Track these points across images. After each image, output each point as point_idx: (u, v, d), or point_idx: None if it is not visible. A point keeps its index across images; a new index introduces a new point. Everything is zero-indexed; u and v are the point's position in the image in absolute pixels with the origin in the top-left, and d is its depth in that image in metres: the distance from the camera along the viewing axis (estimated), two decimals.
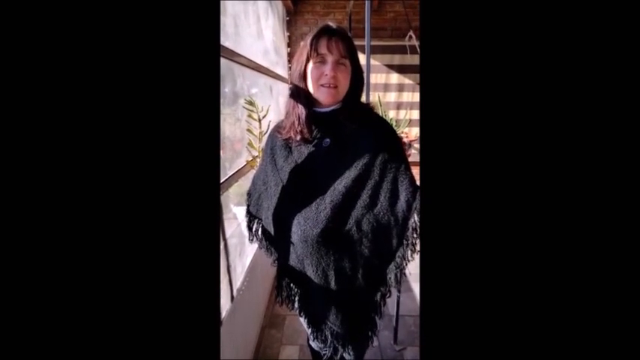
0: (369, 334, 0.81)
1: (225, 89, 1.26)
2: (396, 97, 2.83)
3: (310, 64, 0.72)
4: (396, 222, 0.71)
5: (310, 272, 0.76)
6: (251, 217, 0.90)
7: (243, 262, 1.42)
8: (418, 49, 2.18)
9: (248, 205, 0.91)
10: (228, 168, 1.26)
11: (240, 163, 1.37)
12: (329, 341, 0.81)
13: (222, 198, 1.12)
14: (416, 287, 1.91)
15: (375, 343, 0.84)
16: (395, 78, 2.78)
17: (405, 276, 0.71)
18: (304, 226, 0.72)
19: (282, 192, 0.78)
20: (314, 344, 0.98)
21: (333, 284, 0.75)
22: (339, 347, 0.81)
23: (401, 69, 2.74)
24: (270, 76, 2.01)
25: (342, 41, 0.71)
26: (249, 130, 1.33)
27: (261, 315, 1.67)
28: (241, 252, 1.40)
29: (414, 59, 2.62)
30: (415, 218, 0.70)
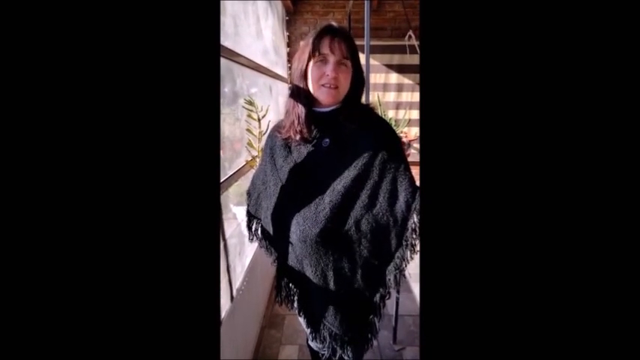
0: (369, 335, 0.81)
1: (225, 89, 1.26)
2: (395, 97, 2.83)
3: (311, 64, 0.72)
4: (395, 222, 0.71)
5: (309, 272, 0.76)
6: (250, 216, 0.90)
7: (242, 262, 1.42)
8: (418, 49, 2.19)
9: (247, 205, 0.91)
10: (227, 168, 1.26)
11: (240, 162, 1.37)
12: (328, 341, 0.81)
13: (222, 198, 1.12)
14: (415, 287, 1.91)
15: (374, 343, 0.84)
16: (394, 78, 2.78)
17: (405, 277, 0.71)
18: (303, 226, 0.72)
19: (281, 192, 0.78)
20: (313, 344, 0.98)
21: (332, 284, 0.75)
22: (338, 348, 0.81)
23: (400, 69, 2.74)
24: (270, 75, 2.01)
25: (344, 42, 0.71)
26: (248, 130, 1.33)
27: (261, 315, 1.67)
28: (241, 252, 1.40)
29: (414, 59, 2.62)
30: (414, 219, 0.70)
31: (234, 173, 1.25)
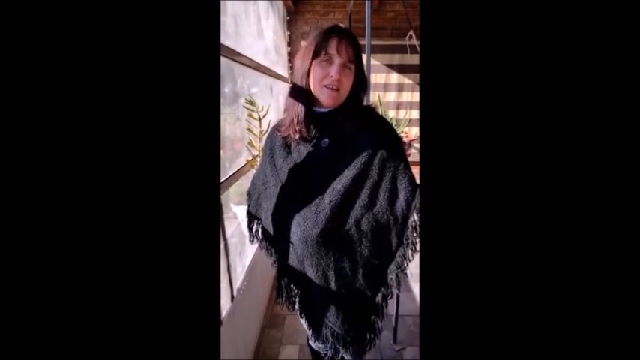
0: (371, 335, 0.81)
1: (226, 89, 1.26)
2: (395, 97, 2.83)
3: (315, 63, 0.71)
4: (395, 221, 0.71)
5: (310, 273, 0.76)
6: (251, 217, 0.90)
7: (243, 262, 1.42)
8: (418, 49, 2.18)
9: (248, 206, 0.91)
10: (228, 167, 1.26)
11: (241, 162, 1.37)
12: (330, 342, 0.81)
13: (223, 197, 1.12)
14: (416, 287, 1.91)
15: (376, 342, 0.84)
16: (395, 77, 2.78)
17: (406, 276, 0.71)
18: (303, 226, 0.72)
19: (281, 192, 0.78)
20: (314, 344, 0.97)
21: (333, 284, 0.75)
22: (340, 348, 0.81)
23: (401, 68, 2.74)
24: (271, 75, 2.01)
25: (351, 45, 0.70)
26: (249, 130, 1.33)
27: (261, 315, 1.68)
28: (241, 251, 1.40)
29: (414, 59, 2.62)
30: (415, 217, 0.70)
31: (234, 173, 1.25)
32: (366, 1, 1.31)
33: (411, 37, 2.21)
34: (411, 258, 0.72)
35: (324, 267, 0.74)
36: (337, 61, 0.70)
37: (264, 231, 0.86)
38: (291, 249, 0.78)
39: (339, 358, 0.85)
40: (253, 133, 1.34)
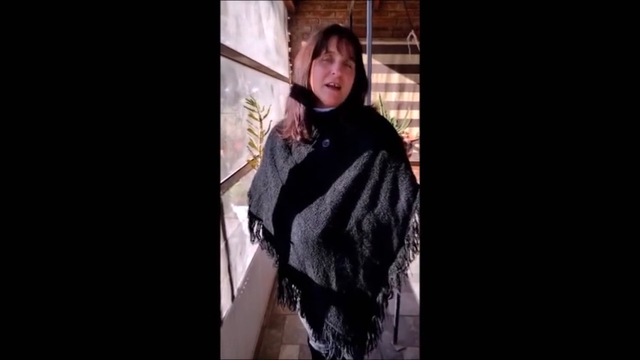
0: (372, 335, 0.81)
1: (227, 89, 1.26)
2: (396, 97, 2.83)
3: (316, 62, 0.71)
4: (396, 222, 0.71)
5: (311, 273, 0.76)
6: (252, 217, 0.90)
7: (243, 262, 1.42)
8: (419, 49, 2.18)
9: (249, 206, 0.91)
10: (229, 168, 1.26)
11: (241, 162, 1.38)
12: (331, 342, 0.81)
13: (223, 198, 1.12)
14: (416, 287, 1.91)
15: (376, 343, 0.84)
16: (396, 78, 2.78)
17: (407, 277, 0.72)
18: (304, 226, 0.72)
19: (282, 193, 0.78)
20: (314, 344, 0.98)
21: (334, 285, 0.75)
22: (341, 348, 0.81)
23: (402, 69, 2.74)
24: (272, 75, 2.01)
25: (351, 43, 0.71)
26: (250, 130, 1.33)
27: (262, 314, 1.68)
28: (242, 251, 1.40)
29: (415, 59, 2.62)
30: (416, 218, 0.70)
31: (235, 173, 1.25)
32: (367, 2, 1.31)
33: (412, 37, 2.21)
34: (411, 258, 0.72)
35: (325, 267, 0.74)
36: (338, 59, 0.70)
37: (265, 231, 0.86)
38: (291, 249, 0.78)
39: (340, 358, 0.85)
40: (254, 134, 1.34)
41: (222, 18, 1.16)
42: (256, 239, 0.90)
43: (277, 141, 0.81)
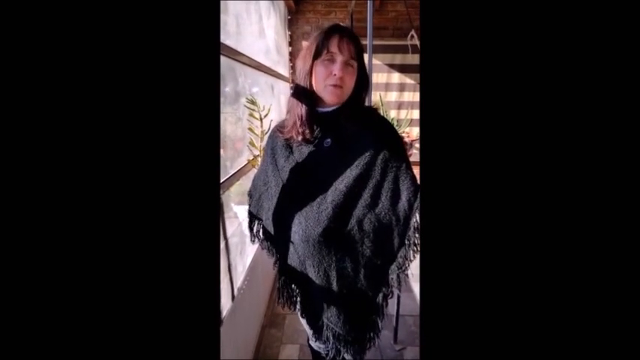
0: (371, 335, 0.81)
1: (227, 88, 1.26)
2: (397, 97, 2.83)
3: (318, 62, 0.71)
4: (397, 221, 0.71)
5: (312, 273, 0.76)
6: (252, 217, 0.90)
7: (244, 262, 1.42)
8: (420, 49, 2.18)
9: (249, 206, 0.91)
10: (229, 167, 1.26)
11: (242, 162, 1.37)
12: (330, 342, 0.81)
13: (224, 197, 1.12)
14: (416, 287, 1.91)
15: (376, 342, 0.84)
16: (396, 77, 2.77)
17: (407, 276, 0.72)
18: (305, 225, 0.72)
19: (282, 192, 0.78)
20: (314, 344, 0.97)
21: (334, 284, 0.75)
22: (341, 348, 0.81)
23: (402, 68, 2.74)
24: (272, 75, 2.01)
25: (352, 42, 0.71)
26: (250, 129, 1.33)
27: (262, 314, 1.68)
28: (242, 251, 1.40)
29: (416, 59, 2.62)
30: (417, 217, 0.70)
31: (235, 172, 1.25)
32: (368, 1, 1.31)
33: (412, 36, 2.21)
34: (412, 258, 0.72)
35: (326, 267, 0.74)
36: (339, 59, 0.70)
37: (265, 231, 0.86)
38: (292, 249, 0.78)
39: (340, 358, 0.85)
40: (254, 133, 1.34)
41: (223, 17, 1.16)
42: (256, 239, 0.89)
43: (278, 140, 0.81)
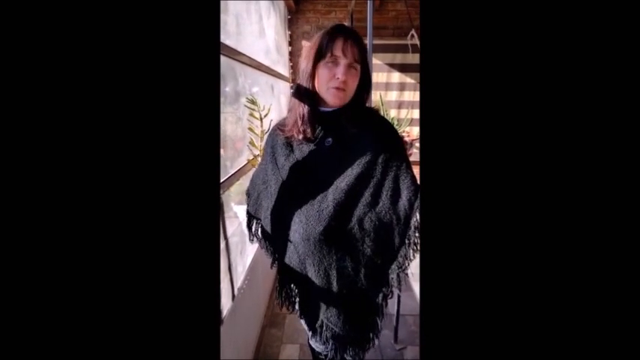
0: (371, 335, 0.81)
1: (227, 88, 1.25)
2: (397, 96, 2.82)
3: (321, 64, 0.71)
4: (398, 221, 0.71)
5: (312, 272, 0.76)
6: (250, 217, 0.90)
7: (244, 261, 1.42)
8: (420, 48, 2.18)
9: (247, 205, 0.90)
10: (229, 167, 1.26)
11: (242, 161, 1.37)
12: (330, 342, 0.81)
13: (224, 197, 1.12)
14: (416, 287, 1.91)
15: (376, 342, 0.84)
16: (396, 77, 2.77)
17: (407, 276, 0.72)
18: (306, 224, 0.72)
19: (283, 191, 0.78)
20: (314, 344, 0.97)
21: (334, 284, 0.75)
22: (341, 348, 0.81)
23: (402, 68, 2.74)
24: (272, 74, 2.01)
25: (356, 46, 0.70)
26: (250, 129, 1.33)
27: (262, 314, 1.68)
28: (242, 251, 1.40)
29: (416, 58, 2.61)
30: (417, 217, 0.70)
31: (236, 172, 1.25)
32: (368, 1, 1.31)
33: (412, 36, 2.20)
34: (412, 258, 0.72)
35: (326, 266, 0.74)
36: (343, 62, 0.69)
37: (264, 230, 0.86)
38: (292, 248, 0.77)
39: (340, 358, 0.85)
40: (255, 133, 1.33)
41: (223, 17, 1.16)
42: (255, 238, 0.89)
43: (278, 139, 0.81)
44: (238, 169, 1.29)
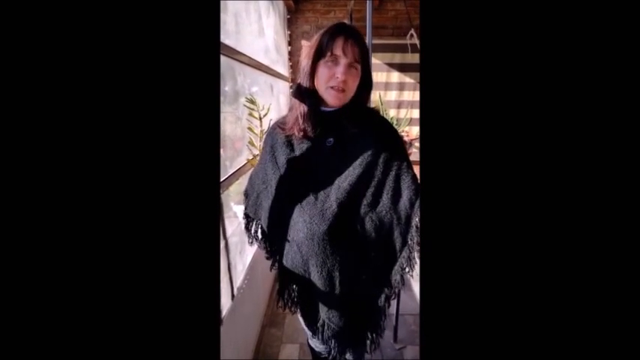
0: (374, 335, 0.81)
1: (226, 87, 1.25)
2: (396, 96, 2.82)
3: (321, 63, 0.70)
4: (399, 220, 0.71)
5: (315, 272, 0.75)
6: (249, 218, 0.88)
7: (243, 261, 1.42)
8: (419, 48, 2.18)
9: (245, 207, 0.89)
10: (229, 166, 1.26)
11: (241, 161, 1.37)
12: (332, 343, 0.81)
13: (223, 197, 1.12)
14: (416, 286, 1.91)
15: (376, 343, 0.84)
16: (396, 76, 2.77)
17: (411, 276, 0.72)
18: (310, 223, 0.71)
19: (284, 190, 0.77)
20: (314, 344, 0.97)
21: (337, 285, 0.74)
22: (342, 349, 0.81)
23: (402, 67, 2.73)
24: (271, 74, 2.01)
25: (357, 45, 0.69)
26: (250, 129, 1.33)
27: (262, 313, 1.68)
28: (242, 250, 1.40)
29: (415, 58, 2.61)
30: (418, 216, 0.70)
31: (235, 172, 1.25)
32: (367, 0, 1.31)
33: (412, 35, 2.20)
34: (415, 258, 0.72)
35: (330, 267, 0.73)
36: (343, 61, 0.68)
37: (264, 231, 0.85)
38: (295, 248, 0.77)
39: (340, 358, 0.85)
40: (254, 132, 1.33)
41: (222, 16, 1.16)
42: (254, 240, 0.88)
43: (278, 137, 0.80)
44: (238, 169, 1.29)
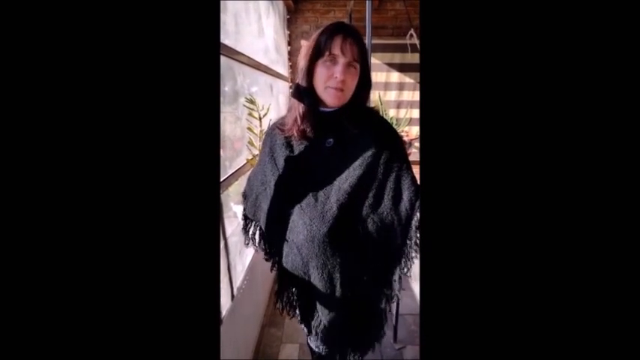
0: (375, 337, 0.81)
1: (226, 88, 1.25)
2: (396, 96, 2.83)
3: (319, 63, 0.69)
4: (399, 221, 0.71)
5: (315, 274, 0.74)
6: (247, 220, 0.87)
7: (243, 261, 1.42)
8: (419, 48, 2.18)
9: (244, 209, 0.88)
10: (228, 167, 1.26)
11: (241, 161, 1.37)
12: (333, 345, 0.81)
13: (223, 197, 1.12)
14: (416, 286, 1.91)
15: (377, 345, 0.84)
16: (395, 76, 2.77)
17: (409, 277, 0.72)
18: (310, 225, 0.71)
19: (283, 192, 0.77)
20: (314, 344, 0.97)
21: (338, 286, 0.74)
22: (342, 350, 0.81)
23: (401, 67, 2.74)
24: (271, 74, 2.01)
25: (356, 44, 0.68)
26: (249, 129, 1.33)
27: (262, 313, 1.68)
28: (242, 250, 1.40)
29: (415, 58, 2.61)
30: (418, 217, 0.70)
31: (235, 172, 1.25)
32: (367, 0, 1.31)
33: (411, 35, 2.20)
34: (414, 259, 0.72)
35: (330, 268, 0.72)
36: (341, 61, 0.67)
37: (262, 233, 0.84)
38: (295, 250, 0.76)
39: (340, 358, 0.84)
40: (254, 132, 1.33)
41: (222, 16, 1.16)
42: (252, 242, 0.87)
43: (277, 139, 0.79)
44: (237, 169, 1.29)
